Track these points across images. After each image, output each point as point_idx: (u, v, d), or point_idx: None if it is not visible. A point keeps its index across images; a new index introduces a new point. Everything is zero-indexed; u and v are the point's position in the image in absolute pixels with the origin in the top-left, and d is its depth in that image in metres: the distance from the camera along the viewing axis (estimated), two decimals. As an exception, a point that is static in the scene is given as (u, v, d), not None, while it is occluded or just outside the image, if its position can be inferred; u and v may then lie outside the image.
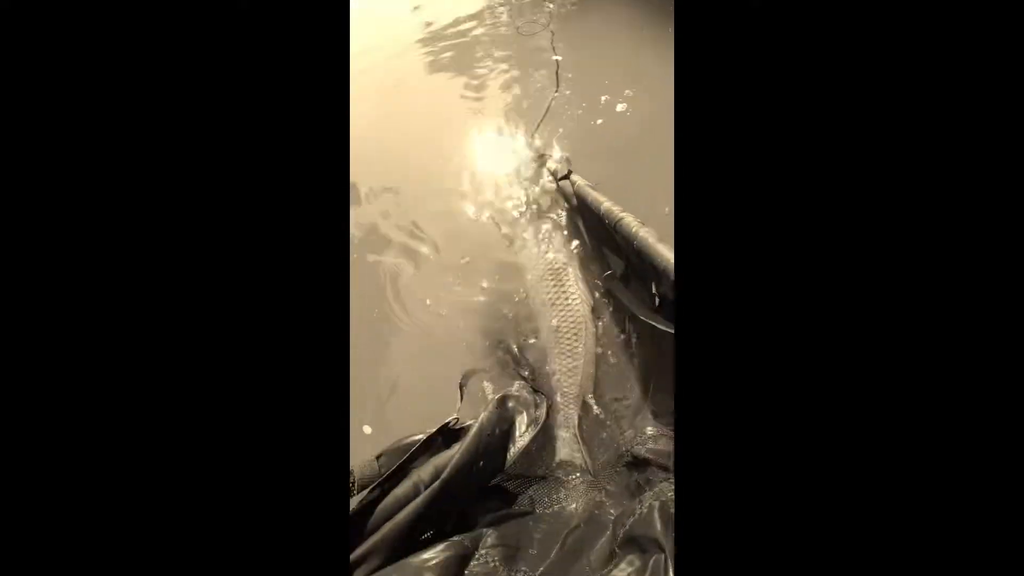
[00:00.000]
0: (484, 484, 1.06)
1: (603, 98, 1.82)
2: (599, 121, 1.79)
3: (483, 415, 1.08)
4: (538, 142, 1.77)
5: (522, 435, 1.11)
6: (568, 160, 1.56)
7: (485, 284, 1.49)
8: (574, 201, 1.43)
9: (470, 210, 1.69)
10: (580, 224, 1.44)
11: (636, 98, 1.81)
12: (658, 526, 0.81)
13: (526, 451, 1.10)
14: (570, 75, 1.95)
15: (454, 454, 0.99)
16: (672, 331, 1.09)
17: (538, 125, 1.78)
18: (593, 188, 1.38)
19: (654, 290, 1.17)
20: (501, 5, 2.45)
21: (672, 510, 0.82)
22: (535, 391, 1.21)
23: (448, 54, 2.33)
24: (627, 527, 0.85)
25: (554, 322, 1.33)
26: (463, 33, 2.39)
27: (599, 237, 1.39)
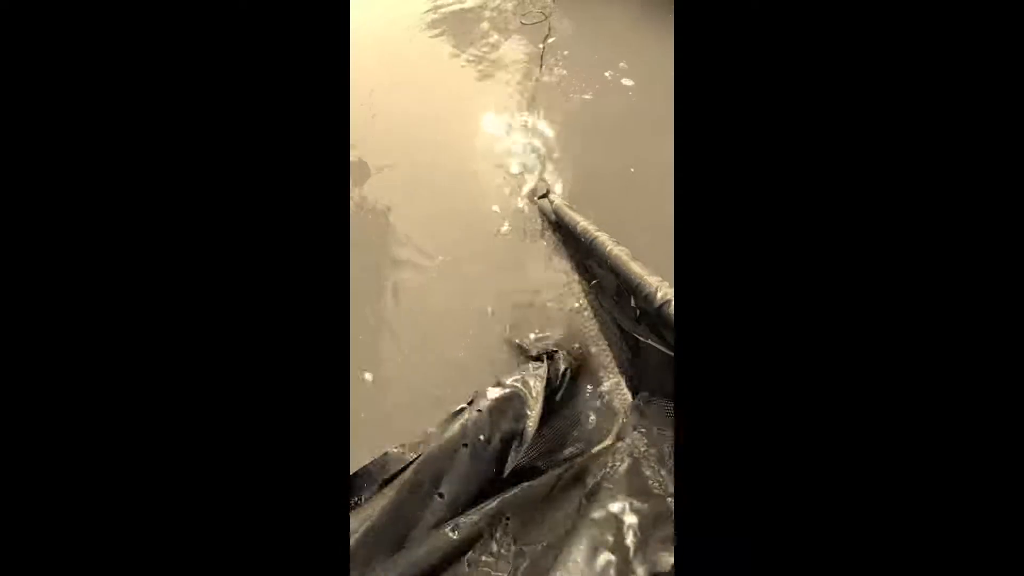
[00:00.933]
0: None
1: (607, 73, 1.96)
2: (587, 96, 1.92)
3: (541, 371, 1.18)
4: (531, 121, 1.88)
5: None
6: (546, 181, 1.64)
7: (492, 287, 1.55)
8: (552, 218, 1.51)
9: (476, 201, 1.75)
10: (559, 240, 1.53)
11: (633, 75, 1.95)
12: (624, 485, 0.89)
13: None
14: (566, 52, 2.07)
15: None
16: (652, 343, 1.17)
17: (528, 104, 1.91)
18: (570, 207, 1.46)
19: (633, 303, 1.26)
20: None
21: (643, 469, 0.90)
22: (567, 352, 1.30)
23: (451, 30, 2.42)
24: (597, 479, 0.93)
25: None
26: (467, 11, 2.50)
27: (582, 251, 1.47)
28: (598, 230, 1.33)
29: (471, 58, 2.24)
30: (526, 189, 1.65)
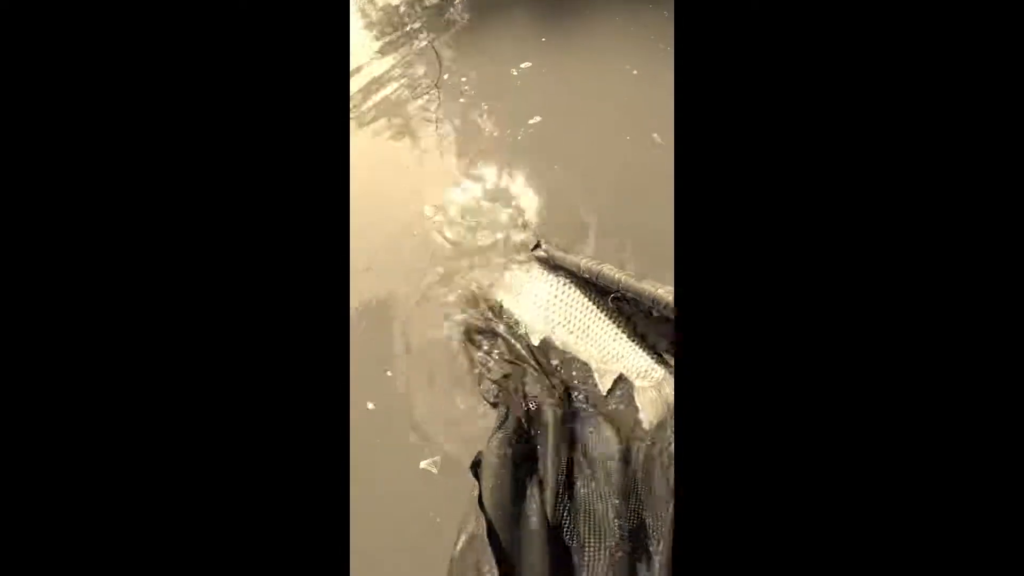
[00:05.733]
0: None
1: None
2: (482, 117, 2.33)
3: None
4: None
5: None
6: (534, 235, 1.97)
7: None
8: (552, 263, 1.86)
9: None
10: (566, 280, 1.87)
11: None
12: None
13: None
14: (470, 90, 2.44)
15: None
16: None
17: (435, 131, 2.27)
18: (564, 252, 1.82)
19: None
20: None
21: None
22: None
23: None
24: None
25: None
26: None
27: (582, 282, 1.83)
28: (599, 263, 1.71)
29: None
30: (520, 238, 1.95)
